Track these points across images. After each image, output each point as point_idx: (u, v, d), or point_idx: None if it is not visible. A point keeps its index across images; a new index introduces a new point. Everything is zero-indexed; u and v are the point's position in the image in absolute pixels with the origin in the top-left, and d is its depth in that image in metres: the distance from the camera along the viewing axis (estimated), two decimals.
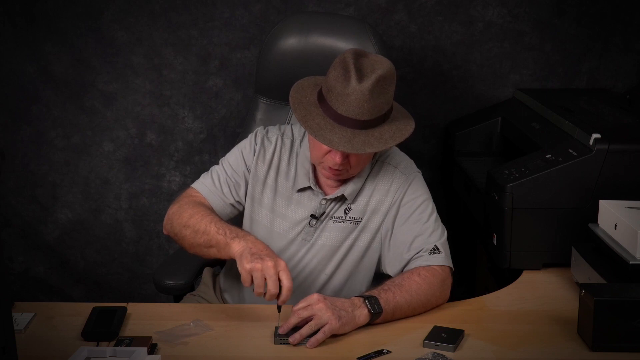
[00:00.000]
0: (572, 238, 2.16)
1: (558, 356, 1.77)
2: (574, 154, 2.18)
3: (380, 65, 1.92)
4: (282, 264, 1.83)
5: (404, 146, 2.87)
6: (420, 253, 2.01)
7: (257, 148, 2.12)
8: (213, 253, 1.97)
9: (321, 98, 1.95)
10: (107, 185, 3.09)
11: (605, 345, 1.76)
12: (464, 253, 3.11)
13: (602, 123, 2.35)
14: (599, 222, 2.10)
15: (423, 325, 1.88)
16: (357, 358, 1.74)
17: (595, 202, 2.11)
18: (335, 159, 1.94)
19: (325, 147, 1.95)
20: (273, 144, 2.13)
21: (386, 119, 1.96)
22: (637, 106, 2.54)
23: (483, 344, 1.82)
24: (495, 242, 2.25)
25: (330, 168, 1.98)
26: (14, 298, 1.98)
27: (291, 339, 1.79)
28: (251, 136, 2.16)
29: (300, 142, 2.13)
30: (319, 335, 1.79)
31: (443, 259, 2.00)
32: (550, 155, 2.22)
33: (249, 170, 2.12)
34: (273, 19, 2.87)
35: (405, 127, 1.98)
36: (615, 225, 2.00)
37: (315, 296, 1.84)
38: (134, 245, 3.15)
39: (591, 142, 2.17)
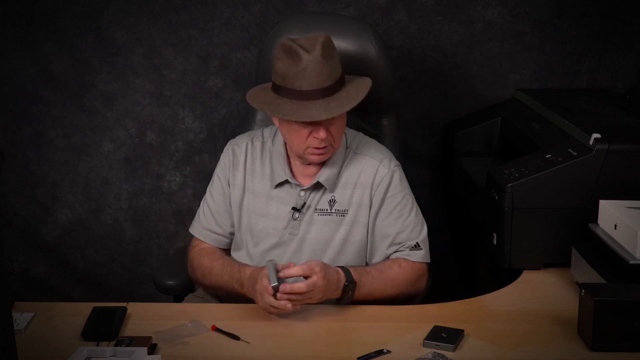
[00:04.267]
0: (572, 238, 2.16)
1: (558, 356, 1.77)
2: (574, 154, 2.18)
3: (316, 36, 2.02)
4: (258, 297, 1.91)
5: (404, 146, 2.88)
6: (402, 248, 2.12)
7: (230, 159, 2.20)
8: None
9: (278, 91, 2.02)
10: (107, 185, 3.09)
11: (605, 345, 1.76)
12: (464, 253, 3.11)
13: (602, 123, 2.34)
14: (599, 222, 2.10)
15: (423, 325, 1.88)
16: (357, 358, 1.74)
17: (595, 202, 2.11)
18: (320, 134, 2.00)
19: (305, 131, 2.01)
20: (244, 149, 2.19)
21: (344, 82, 2.05)
22: (637, 106, 2.54)
23: (483, 344, 1.82)
24: (495, 242, 2.25)
25: (316, 149, 2.04)
26: (14, 298, 1.98)
27: (282, 287, 1.86)
28: (223, 154, 2.23)
29: (272, 141, 2.18)
30: (299, 296, 1.88)
31: (423, 256, 2.12)
32: (550, 155, 2.22)
33: (229, 185, 2.19)
34: (273, 19, 2.87)
35: (364, 82, 2.08)
36: (615, 225, 2.00)
37: (320, 276, 1.89)
38: (134, 245, 3.15)
39: (591, 142, 2.17)
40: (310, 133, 2.01)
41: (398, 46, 2.94)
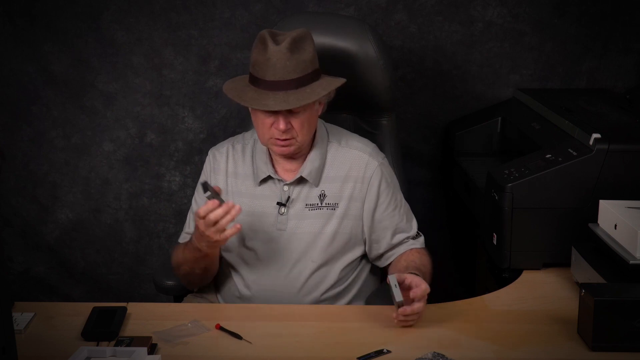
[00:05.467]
0: (572, 238, 2.16)
1: (558, 356, 1.77)
2: (574, 154, 2.18)
3: (294, 30, 2.04)
4: (208, 232, 1.95)
5: (404, 145, 2.88)
6: (406, 239, 2.20)
7: (211, 165, 2.24)
8: (206, 262, 2.11)
9: (250, 80, 2.06)
10: (107, 185, 3.09)
11: (605, 345, 1.76)
12: (464, 253, 3.11)
13: (602, 123, 2.34)
14: (599, 222, 2.10)
15: (423, 326, 1.89)
16: (357, 358, 1.74)
17: (595, 202, 2.11)
18: (280, 126, 2.02)
19: (268, 120, 2.03)
20: (224, 154, 2.23)
21: (316, 78, 2.05)
22: (637, 106, 2.54)
23: (483, 344, 1.82)
24: (495, 242, 2.25)
25: (277, 139, 2.06)
26: (14, 298, 1.98)
27: (402, 310, 1.87)
28: (205, 161, 2.27)
29: (255, 140, 2.21)
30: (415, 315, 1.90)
31: (423, 242, 2.22)
32: (550, 155, 2.22)
33: None
34: (273, 19, 2.87)
35: (335, 81, 2.08)
36: (615, 225, 2.00)
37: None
38: (134, 245, 3.15)
39: (591, 142, 2.17)
40: (272, 123, 2.04)
41: (398, 46, 2.94)
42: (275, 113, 2.01)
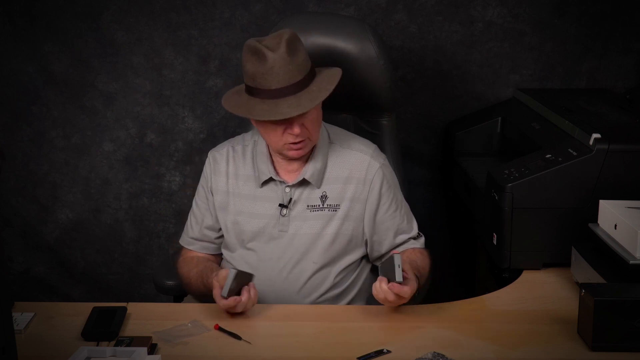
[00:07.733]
0: (572, 238, 2.16)
1: (558, 356, 1.77)
2: (574, 154, 2.18)
3: (280, 33, 2.02)
4: (219, 302, 1.93)
5: (404, 145, 2.88)
6: (408, 240, 2.20)
7: (211, 167, 2.22)
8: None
9: (251, 92, 2.04)
10: (107, 185, 3.09)
11: (605, 345, 1.76)
12: (464, 253, 3.11)
13: (602, 123, 2.34)
14: (599, 222, 2.10)
15: (423, 326, 1.89)
16: (357, 358, 1.74)
17: (595, 202, 2.11)
18: (294, 130, 2.01)
19: (280, 128, 2.02)
20: (224, 155, 2.22)
21: (314, 75, 2.05)
22: (637, 106, 2.54)
23: (483, 344, 1.82)
24: (495, 242, 2.25)
25: (293, 144, 2.05)
26: (14, 298, 1.98)
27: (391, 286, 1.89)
28: (205, 163, 2.25)
29: (255, 142, 2.20)
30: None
31: (423, 243, 2.23)
32: (550, 155, 2.22)
33: (212, 194, 2.21)
34: (273, 19, 2.87)
35: (334, 73, 2.08)
36: (615, 225, 2.00)
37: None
38: (134, 245, 3.15)
39: (591, 142, 2.17)
40: (285, 130, 2.02)
41: (398, 46, 2.94)
42: (286, 119, 2.00)
